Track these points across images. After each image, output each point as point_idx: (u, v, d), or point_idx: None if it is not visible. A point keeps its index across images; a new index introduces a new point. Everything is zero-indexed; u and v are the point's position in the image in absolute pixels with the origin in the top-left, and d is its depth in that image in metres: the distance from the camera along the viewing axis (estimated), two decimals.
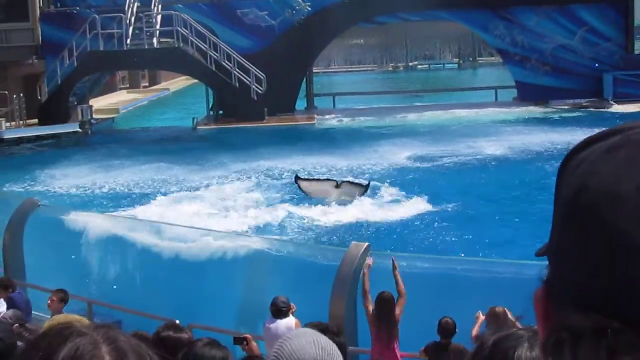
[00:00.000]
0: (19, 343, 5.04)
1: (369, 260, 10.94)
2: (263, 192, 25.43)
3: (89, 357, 1.58)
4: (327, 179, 25.39)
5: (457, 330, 9.58)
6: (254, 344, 8.06)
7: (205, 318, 12.46)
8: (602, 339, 0.97)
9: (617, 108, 41.90)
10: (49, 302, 11.19)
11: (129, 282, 15.06)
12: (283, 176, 27.98)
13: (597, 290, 0.99)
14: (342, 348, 5.64)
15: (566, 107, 43.80)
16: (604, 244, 0.99)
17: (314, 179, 25.52)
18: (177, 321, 6.95)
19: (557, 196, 1.09)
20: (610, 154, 1.04)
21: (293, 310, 10.36)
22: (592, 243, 1.01)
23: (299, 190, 24.80)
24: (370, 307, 10.32)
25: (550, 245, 1.09)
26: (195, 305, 13.87)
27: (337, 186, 24.44)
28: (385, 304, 10.11)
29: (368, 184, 24.73)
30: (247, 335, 8.10)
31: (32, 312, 11.94)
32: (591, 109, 42.63)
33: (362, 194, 24.20)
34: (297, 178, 25.26)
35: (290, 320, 10.14)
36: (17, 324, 7.94)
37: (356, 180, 25.42)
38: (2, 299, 11.57)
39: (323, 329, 4.06)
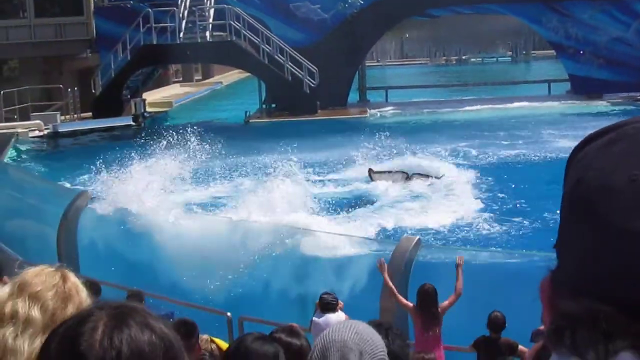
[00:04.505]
0: None
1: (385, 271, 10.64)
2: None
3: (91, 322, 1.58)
4: (399, 171, 25.69)
5: (506, 324, 9.53)
6: None
7: (256, 310, 12.50)
8: (597, 324, 1.01)
9: None
10: None
11: (181, 274, 15.15)
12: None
13: (591, 277, 1.04)
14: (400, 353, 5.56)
15: (620, 100, 43.26)
16: (597, 234, 1.04)
17: (386, 172, 25.88)
18: (296, 325, 6.69)
19: (564, 190, 1.16)
20: (607, 148, 1.10)
21: (341, 306, 10.28)
22: (587, 233, 1.06)
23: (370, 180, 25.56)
24: (405, 302, 10.23)
25: (557, 237, 1.15)
26: (247, 298, 13.93)
27: (408, 178, 25.12)
28: (427, 295, 9.98)
29: (439, 177, 25.19)
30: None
31: None
32: None
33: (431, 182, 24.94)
34: (370, 170, 25.87)
35: (340, 315, 9.95)
36: None
37: (427, 173, 25.63)
38: None
39: (377, 325, 4.09)
